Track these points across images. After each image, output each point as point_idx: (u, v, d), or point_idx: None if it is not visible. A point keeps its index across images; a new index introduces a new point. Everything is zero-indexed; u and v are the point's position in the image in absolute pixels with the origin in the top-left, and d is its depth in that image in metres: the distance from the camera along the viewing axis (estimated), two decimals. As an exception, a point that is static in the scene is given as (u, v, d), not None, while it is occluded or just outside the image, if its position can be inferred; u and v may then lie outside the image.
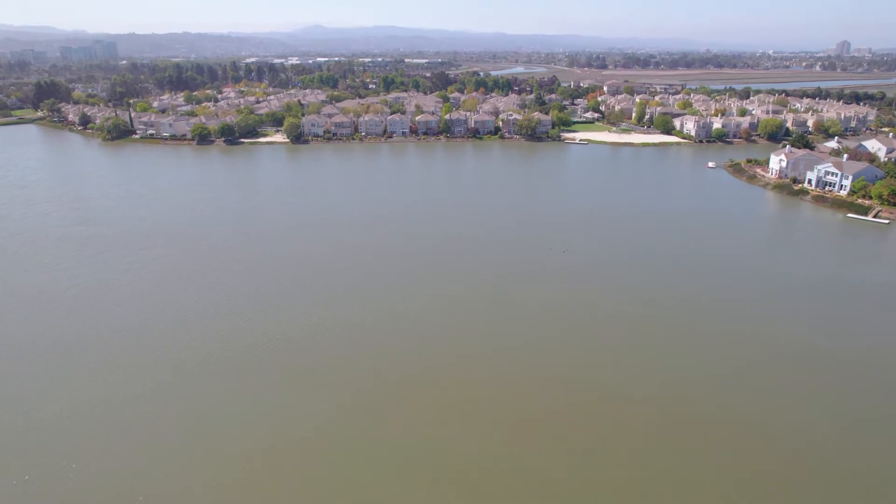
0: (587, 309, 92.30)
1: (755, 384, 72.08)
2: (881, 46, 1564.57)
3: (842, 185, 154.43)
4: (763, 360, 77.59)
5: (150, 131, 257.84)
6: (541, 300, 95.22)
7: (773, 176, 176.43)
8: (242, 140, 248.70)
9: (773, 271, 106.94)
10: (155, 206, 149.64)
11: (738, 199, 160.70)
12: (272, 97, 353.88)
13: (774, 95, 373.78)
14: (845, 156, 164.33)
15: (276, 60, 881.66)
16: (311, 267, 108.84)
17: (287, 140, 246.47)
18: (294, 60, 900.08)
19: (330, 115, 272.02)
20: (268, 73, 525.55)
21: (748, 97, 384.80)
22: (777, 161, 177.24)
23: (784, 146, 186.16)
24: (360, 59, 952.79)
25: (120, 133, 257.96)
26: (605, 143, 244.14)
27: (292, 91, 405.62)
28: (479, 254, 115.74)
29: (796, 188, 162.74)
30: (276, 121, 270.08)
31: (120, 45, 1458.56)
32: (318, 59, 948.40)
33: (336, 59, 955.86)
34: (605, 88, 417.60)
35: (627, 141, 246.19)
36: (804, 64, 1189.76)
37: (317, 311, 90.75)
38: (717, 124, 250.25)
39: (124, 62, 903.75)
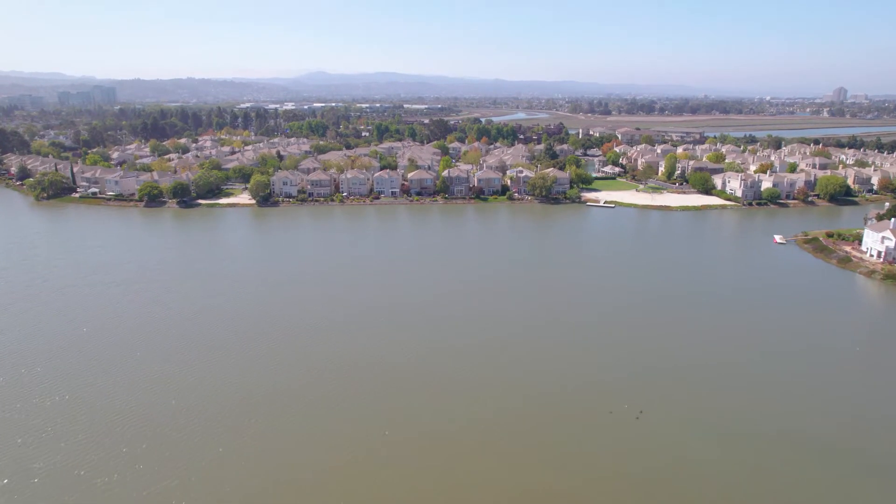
0: None
1: None
2: (875, 93, 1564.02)
3: None
4: None
5: (93, 189, 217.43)
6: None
7: (876, 258, 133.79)
8: (200, 201, 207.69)
9: None
10: (28, 309, 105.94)
11: (843, 298, 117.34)
12: (250, 147, 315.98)
13: (809, 145, 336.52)
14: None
15: (271, 106, 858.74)
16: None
17: (253, 201, 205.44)
18: (289, 105, 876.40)
19: (308, 171, 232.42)
20: (255, 120, 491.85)
21: (779, 147, 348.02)
22: (878, 239, 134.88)
23: (885, 218, 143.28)
24: (358, 105, 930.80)
25: (58, 191, 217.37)
26: (635, 205, 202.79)
27: (275, 140, 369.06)
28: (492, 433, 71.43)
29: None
30: (245, 177, 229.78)
31: (124, 90, 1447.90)
32: (315, 104, 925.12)
33: (333, 104, 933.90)
34: (619, 137, 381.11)
35: (662, 203, 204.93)
36: (808, 109, 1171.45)
37: None
38: (766, 183, 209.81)
39: (118, 107, 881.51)
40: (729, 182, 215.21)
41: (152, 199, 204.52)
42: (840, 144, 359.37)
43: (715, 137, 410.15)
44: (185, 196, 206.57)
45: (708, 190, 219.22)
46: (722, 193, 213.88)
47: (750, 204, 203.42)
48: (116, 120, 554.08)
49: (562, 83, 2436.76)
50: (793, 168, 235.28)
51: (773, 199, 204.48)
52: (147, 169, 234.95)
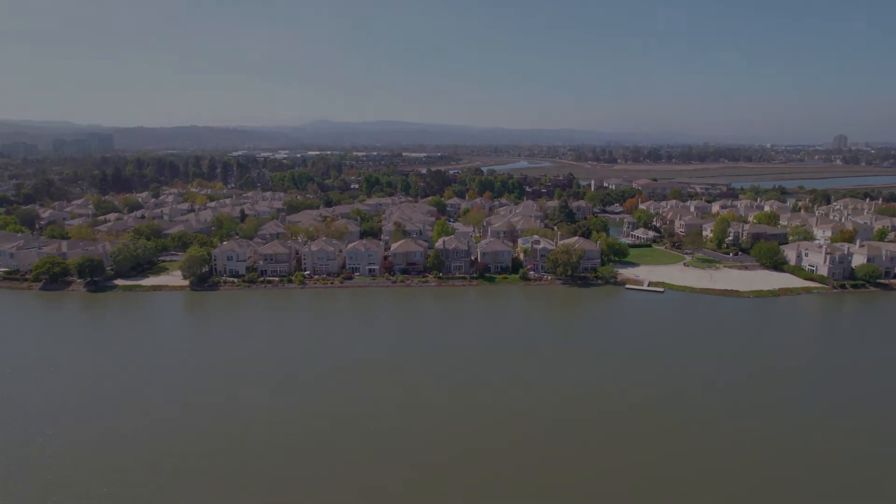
0: None
1: None
2: (873, 140, 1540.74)
3: None
4: None
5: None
6: None
7: None
8: (119, 281, 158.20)
9: None
10: None
11: None
12: (213, 204, 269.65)
13: (864, 200, 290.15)
14: None
15: (263, 154, 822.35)
16: None
17: (186, 283, 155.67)
18: (282, 154, 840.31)
19: (267, 238, 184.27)
20: (235, 170, 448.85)
21: (829, 201, 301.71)
22: None
23: None
24: (355, 153, 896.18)
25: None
26: (690, 289, 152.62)
27: (249, 194, 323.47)
28: None
29: None
30: (186, 246, 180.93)
31: (125, 138, 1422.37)
32: (309, 152, 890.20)
33: (328, 152, 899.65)
34: (641, 190, 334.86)
35: (724, 286, 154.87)
36: (817, 157, 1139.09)
37: None
38: (859, 256, 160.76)
39: (108, 154, 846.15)
40: (807, 255, 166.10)
41: (54, 278, 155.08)
42: (895, 199, 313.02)
43: (745, 189, 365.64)
44: (98, 275, 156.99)
45: (777, 265, 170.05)
46: (799, 270, 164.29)
47: (842, 286, 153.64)
48: (90, 169, 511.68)
49: (561, 131, 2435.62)
50: (882, 235, 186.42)
51: (872, 278, 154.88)
52: (63, 236, 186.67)
